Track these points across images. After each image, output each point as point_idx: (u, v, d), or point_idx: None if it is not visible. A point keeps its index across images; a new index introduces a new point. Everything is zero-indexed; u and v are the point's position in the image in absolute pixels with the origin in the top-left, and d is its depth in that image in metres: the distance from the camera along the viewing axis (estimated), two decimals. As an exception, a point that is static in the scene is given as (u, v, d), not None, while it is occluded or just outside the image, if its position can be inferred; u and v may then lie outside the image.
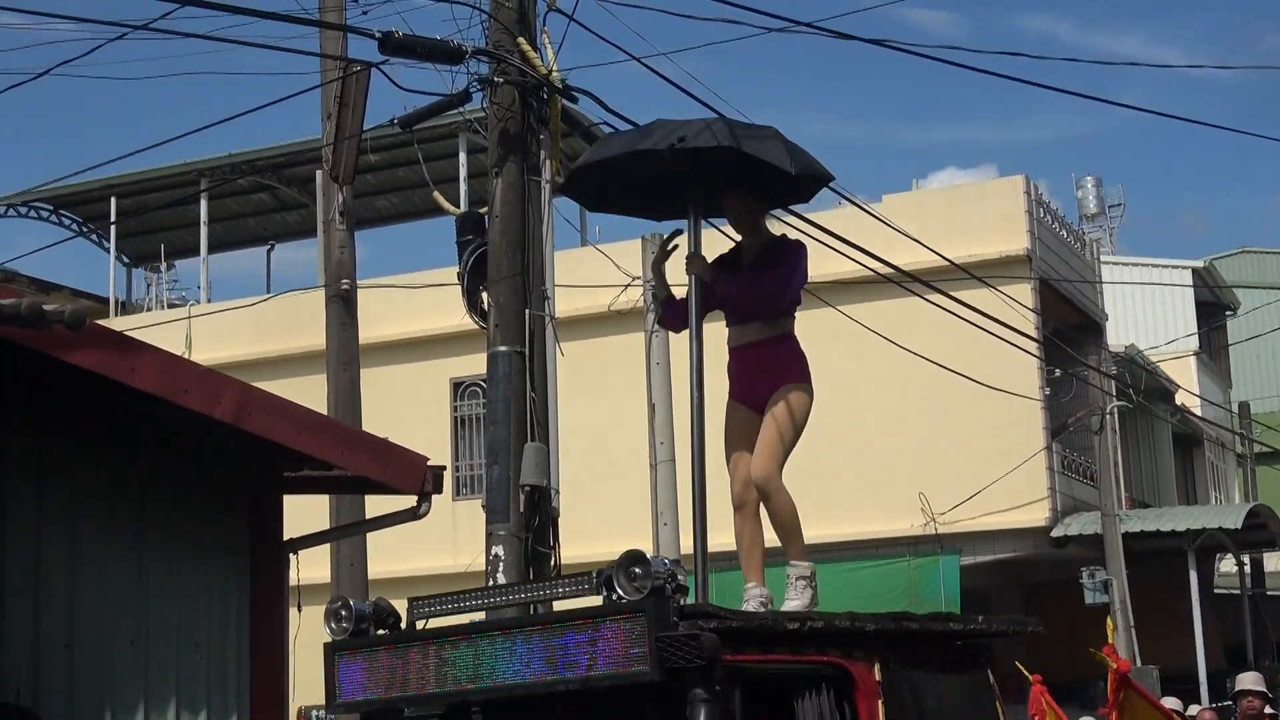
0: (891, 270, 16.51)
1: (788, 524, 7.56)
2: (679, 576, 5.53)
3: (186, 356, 18.29)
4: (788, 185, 7.61)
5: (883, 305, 22.23)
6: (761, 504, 7.57)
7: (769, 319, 7.64)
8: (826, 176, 7.71)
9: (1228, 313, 41.10)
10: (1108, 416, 25.24)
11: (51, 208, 33.99)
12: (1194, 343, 37.81)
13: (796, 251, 7.74)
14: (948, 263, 18.01)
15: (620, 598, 5.56)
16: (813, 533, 25.14)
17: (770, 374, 7.62)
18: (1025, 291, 24.03)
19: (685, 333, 7.87)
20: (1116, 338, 32.75)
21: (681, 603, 5.51)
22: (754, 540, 7.62)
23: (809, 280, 7.66)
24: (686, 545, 16.87)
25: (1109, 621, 13.82)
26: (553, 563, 11.17)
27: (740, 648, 5.69)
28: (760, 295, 7.57)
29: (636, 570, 5.54)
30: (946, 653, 6.82)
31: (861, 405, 24.71)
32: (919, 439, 24.48)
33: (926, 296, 17.43)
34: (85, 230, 34.66)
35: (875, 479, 24.59)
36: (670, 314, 8.03)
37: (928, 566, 24.41)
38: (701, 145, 7.15)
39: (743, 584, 7.50)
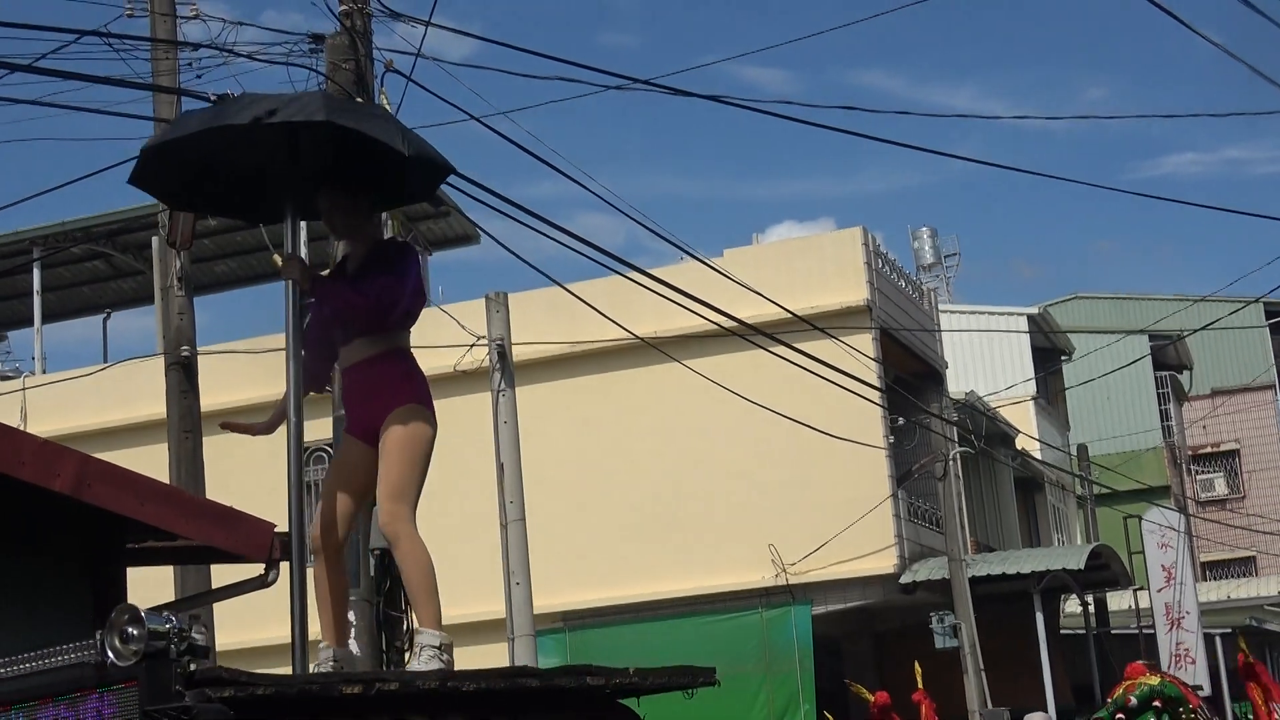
0: (735, 323, 16.64)
1: (416, 580, 6.39)
2: (193, 636, 4.70)
3: (22, 428, 17.88)
4: (405, 180, 6.70)
5: (727, 359, 22.38)
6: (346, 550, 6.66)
7: (376, 334, 6.52)
8: (446, 166, 6.80)
9: (1063, 357, 41.92)
10: (950, 463, 25.57)
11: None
12: (1032, 388, 38.50)
13: (405, 255, 6.70)
14: (790, 315, 18.20)
15: (112, 664, 4.71)
16: (665, 587, 25.15)
17: (378, 397, 6.51)
18: (866, 341, 24.32)
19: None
20: (956, 385, 33.25)
21: (192, 668, 4.65)
22: (325, 594, 6.56)
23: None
24: (541, 603, 16.88)
25: (916, 666, 14.06)
26: (405, 627, 11.06)
27: (277, 717, 4.86)
28: (365, 307, 6.43)
29: (130, 630, 4.68)
30: (584, 714, 5.98)
31: (709, 458, 24.82)
32: (768, 490, 24.63)
33: (770, 349, 17.61)
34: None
35: (725, 531, 24.69)
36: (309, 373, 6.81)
37: (780, 617, 24.52)
38: (295, 119, 6.10)
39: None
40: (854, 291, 25.46)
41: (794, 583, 24.34)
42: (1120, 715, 9.81)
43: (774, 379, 21.18)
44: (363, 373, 6.55)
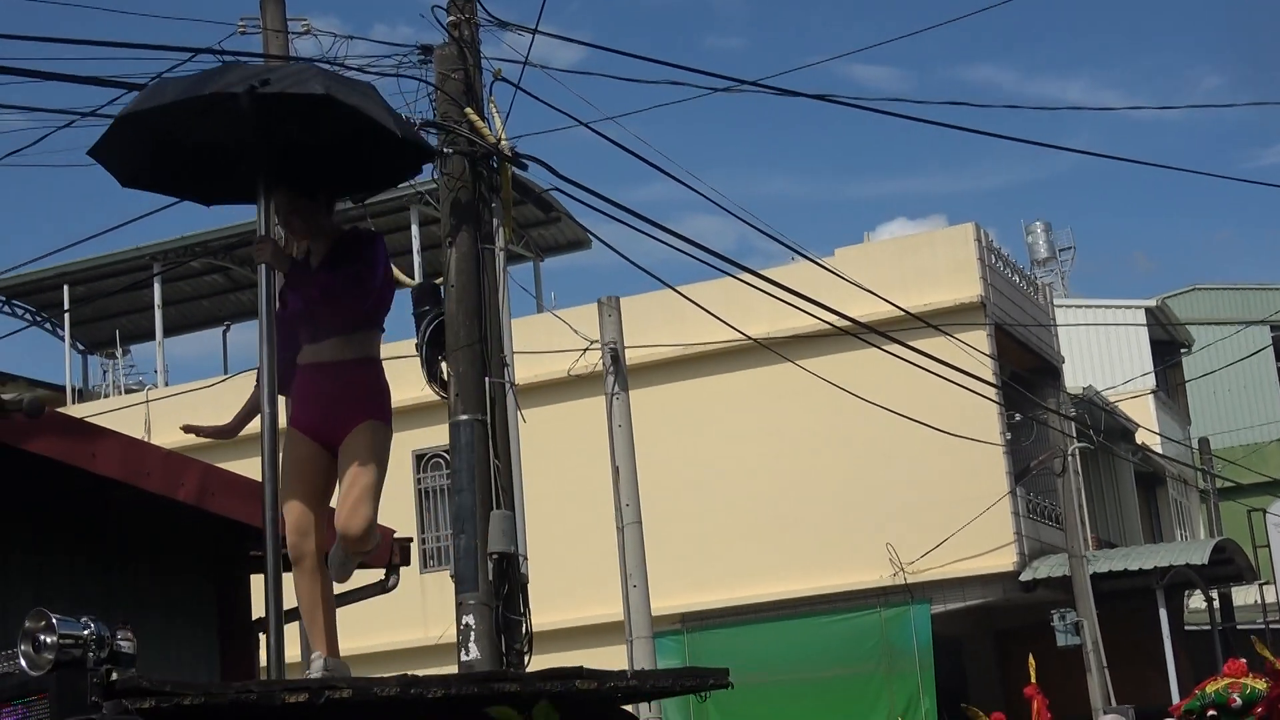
0: (848, 323, 16.59)
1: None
2: (119, 643, 4.41)
3: (147, 440, 18.20)
4: (382, 161, 6.39)
5: (840, 358, 22.30)
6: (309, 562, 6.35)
7: (347, 334, 6.27)
8: (429, 148, 6.69)
9: (1182, 350, 41.36)
10: (1069, 458, 25.33)
11: (4, 298, 33.83)
12: (1151, 381, 38.01)
13: (371, 245, 6.36)
14: (902, 312, 18.12)
15: (23, 673, 4.41)
16: (783, 588, 25.09)
17: (346, 407, 6.27)
18: (981, 338, 24.14)
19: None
20: (1074, 380, 32.91)
21: (112, 677, 4.33)
22: (315, 601, 6.32)
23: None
24: (659, 605, 16.91)
25: (1030, 660, 13.92)
26: (524, 630, 11.13)
27: None
28: (332, 301, 6.18)
29: (43, 638, 4.36)
30: (576, 718, 5.56)
31: (824, 459, 24.75)
32: (884, 489, 24.51)
33: (883, 347, 17.53)
34: (39, 319, 34.49)
35: (842, 531, 24.60)
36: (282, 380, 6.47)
37: (899, 617, 24.40)
38: (291, 91, 5.84)
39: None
40: (968, 288, 25.27)
41: (912, 582, 24.20)
42: (1212, 712, 9.63)
43: (888, 377, 21.07)
44: (330, 376, 6.27)
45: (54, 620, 4.37)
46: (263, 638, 10.58)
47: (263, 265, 6.11)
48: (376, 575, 10.80)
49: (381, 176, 6.62)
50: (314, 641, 6.26)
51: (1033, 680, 13.03)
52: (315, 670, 6.06)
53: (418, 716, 5.08)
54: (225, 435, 6.75)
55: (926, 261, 25.35)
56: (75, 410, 26.75)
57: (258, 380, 6.20)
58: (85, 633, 4.36)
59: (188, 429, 6.77)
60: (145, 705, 4.33)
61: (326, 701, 4.73)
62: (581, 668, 5.56)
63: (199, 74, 6.03)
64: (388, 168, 6.50)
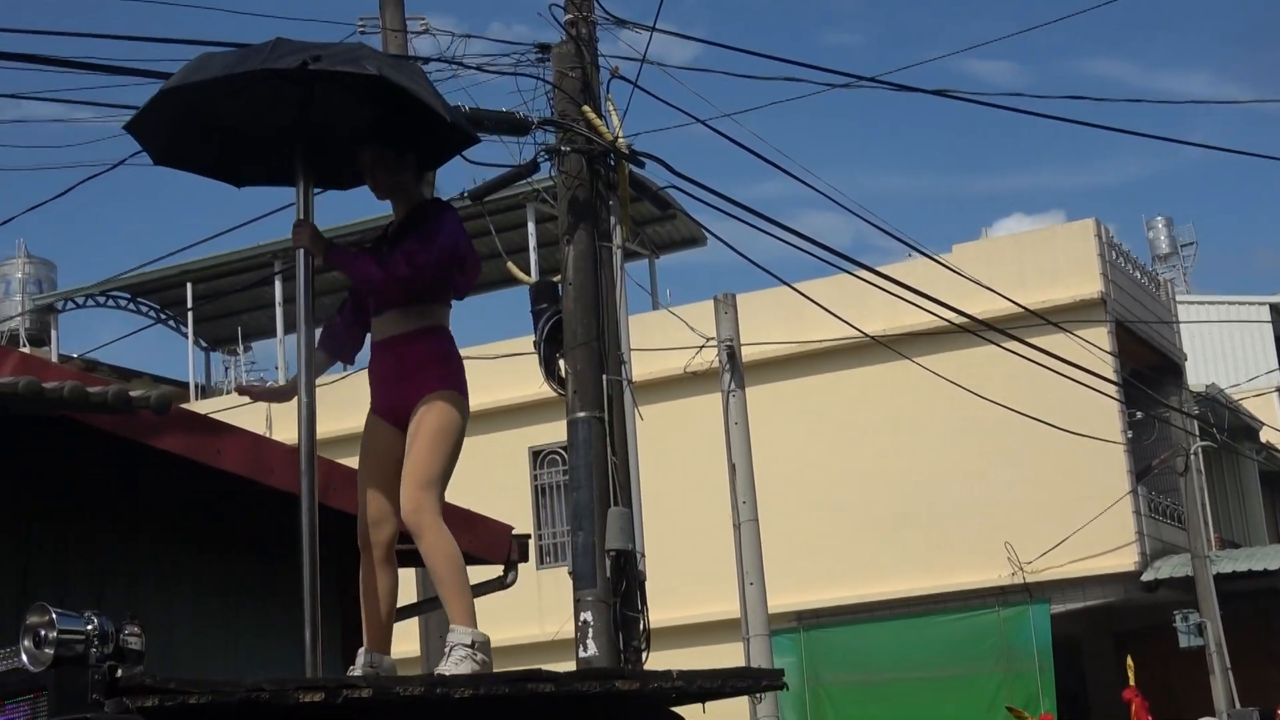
0: (966, 319, 16.47)
1: (444, 573, 5.77)
2: (125, 638, 4.29)
3: (269, 436, 18.43)
4: (430, 145, 6.17)
5: (958, 355, 22.14)
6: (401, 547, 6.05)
7: (406, 306, 5.94)
8: (474, 135, 6.40)
9: (1309, 347, 40.60)
10: (1192, 457, 24.98)
11: (129, 296, 34.41)
12: (1276, 379, 37.36)
13: (438, 216, 6.04)
14: (1022, 309, 17.97)
15: (24, 670, 4.28)
16: (900, 586, 24.95)
17: (409, 379, 5.95)
18: (1101, 335, 23.86)
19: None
20: (1196, 377, 32.44)
21: (117, 674, 4.20)
22: (379, 592, 6.01)
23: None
24: (776, 603, 16.88)
25: (1129, 661, 13.74)
26: (641, 627, 11.16)
27: None
28: (383, 281, 5.88)
29: (44, 633, 4.23)
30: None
31: (942, 456, 24.58)
32: (1002, 487, 24.30)
33: (1002, 344, 17.38)
34: (163, 317, 35.05)
35: (960, 530, 24.42)
36: (325, 346, 6.32)
37: (1018, 616, 24.18)
38: (342, 69, 5.58)
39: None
40: (1088, 284, 24.99)
41: (1031, 581, 23.97)
42: None
43: (1007, 375, 20.90)
44: (395, 350, 5.98)
45: (55, 615, 4.24)
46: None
47: (300, 250, 5.88)
48: (495, 571, 10.86)
49: (425, 159, 6.27)
50: (365, 636, 5.97)
51: (1131, 683, 12.89)
52: (359, 665, 5.84)
53: (445, 717, 4.87)
54: (280, 398, 6.53)
55: (1046, 258, 25.10)
56: (199, 406, 27.16)
57: (299, 363, 6.00)
58: (88, 628, 4.22)
59: (241, 390, 6.59)
60: (148, 704, 4.18)
61: (345, 701, 4.52)
62: (623, 667, 5.36)
63: (246, 49, 5.76)
64: (433, 152, 6.27)
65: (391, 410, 5.99)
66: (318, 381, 6.06)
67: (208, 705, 4.27)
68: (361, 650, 5.89)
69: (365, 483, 6.03)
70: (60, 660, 4.16)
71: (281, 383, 31.23)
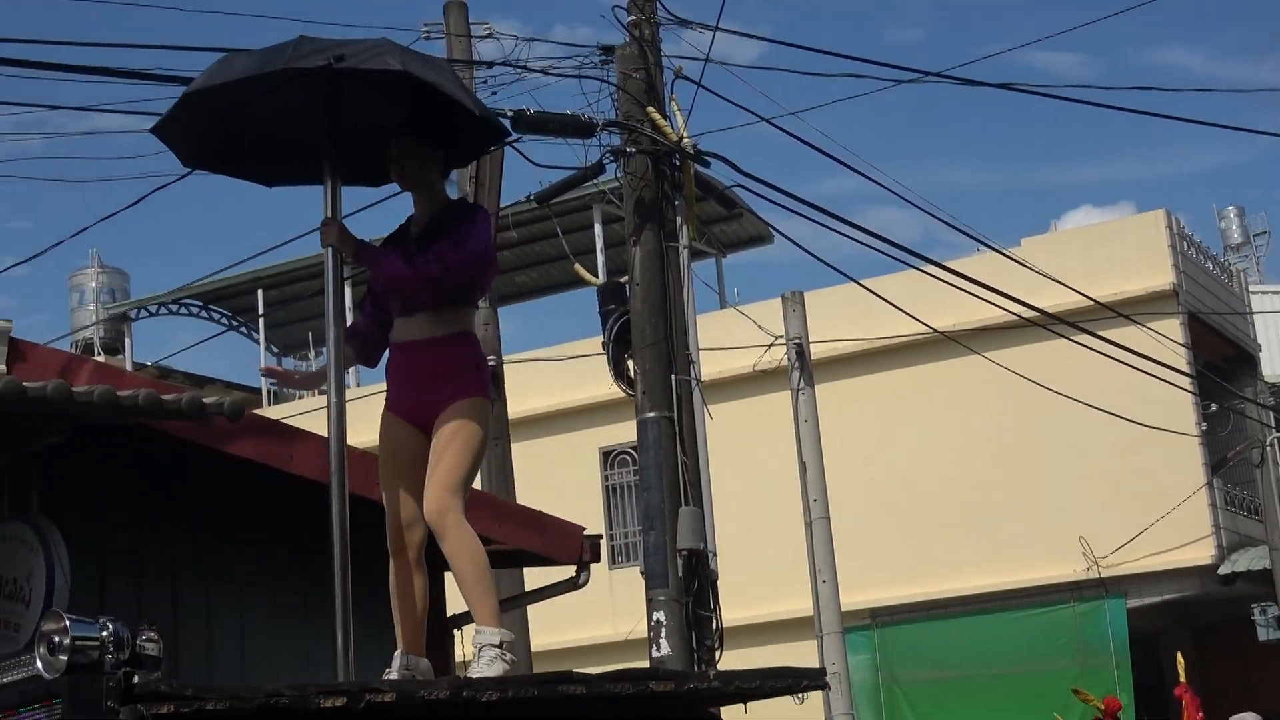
0: (1036, 313, 16.38)
1: (470, 574, 5.73)
2: (141, 645, 4.24)
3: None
4: (459, 140, 6.09)
5: (1028, 349, 22.01)
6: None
7: (436, 310, 5.89)
8: (503, 129, 6.37)
9: (1385, 335, 40.10)
10: (1268, 449, 24.73)
11: (201, 303, 34.70)
12: (1353, 368, 36.93)
13: (470, 218, 5.99)
14: (1092, 302, 17.84)
15: (40, 677, 4.27)
16: (974, 582, 24.72)
17: (436, 385, 5.92)
18: (1174, 327, 23.66)
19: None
20: (1271, 367, 32.09)
21: (132, 681, 4.16)
22: (411, 595, 5.95)
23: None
24: (848, 601, 16.84)
25: (1179, 658, 13.57)
26: (714, 626, 11.17)
27: None
28: (416, 281, 5.82)
29: (58, 640, 4.19)
30: None
31: (1014, 451, 24.45)
32: (1075, 482, 24.14)
33: (1073, 338, 17.27)
34: (234, 324, 35.32)
35: (1033, 525, 24.28)
36: (351, 343, 6.26)
37: (1093, 611, 24.02)
38: (367, 66, 5.56)
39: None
40: (1159, 276, 24.79)
41: (1106, 576, 23.81)
42: None
43: (1078, 369, 20.76)
44: (424, 353, 5.93)
45: (69, 621, 4.21)
46: (457, 634, 10.75)
47: (329, 249, 5.87)
48: (568, 572, 10.89)
49: (453, 156, 6.20)
50: (399, 637, 5.93)
51: (1181, 679, 12.72)
52: (395, 667, 5.78)
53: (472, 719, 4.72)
54: (303, 384, 6.54)
55: (1116, 250, 24.91)
56: (270, 412, 27.38)
57: (330, 359, 5.99)
58: (103, 634, 4.18)
59: (267, 372, 6.64)
60: (164, 710, 4.13)
61: (367, 706, 4.45)
62: (658, 668, 5.25)
63: (269, 48, 5.68)
64: (460, 148, 6.20)
65: (415, 413, 5.96)
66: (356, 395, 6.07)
67: (225, 712, 4.22)
68: (397, 653, 5.86)
69: (392, 486, 6.01)
70: (74, 667, 4.14)
71: (355, 386, 31.42)
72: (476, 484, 13.99)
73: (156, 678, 4.20)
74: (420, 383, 5.93)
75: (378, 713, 4.49)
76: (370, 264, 5.97)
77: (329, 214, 5.89)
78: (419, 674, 5.71)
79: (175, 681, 4.20)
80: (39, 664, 4.23)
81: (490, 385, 6.11)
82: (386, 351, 6.19)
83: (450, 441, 5.82)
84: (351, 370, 32.94)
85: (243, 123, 6.05)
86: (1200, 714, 12.74)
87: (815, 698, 13.48)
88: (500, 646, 5.58)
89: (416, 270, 5.79)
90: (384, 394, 6.18)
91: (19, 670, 4.46)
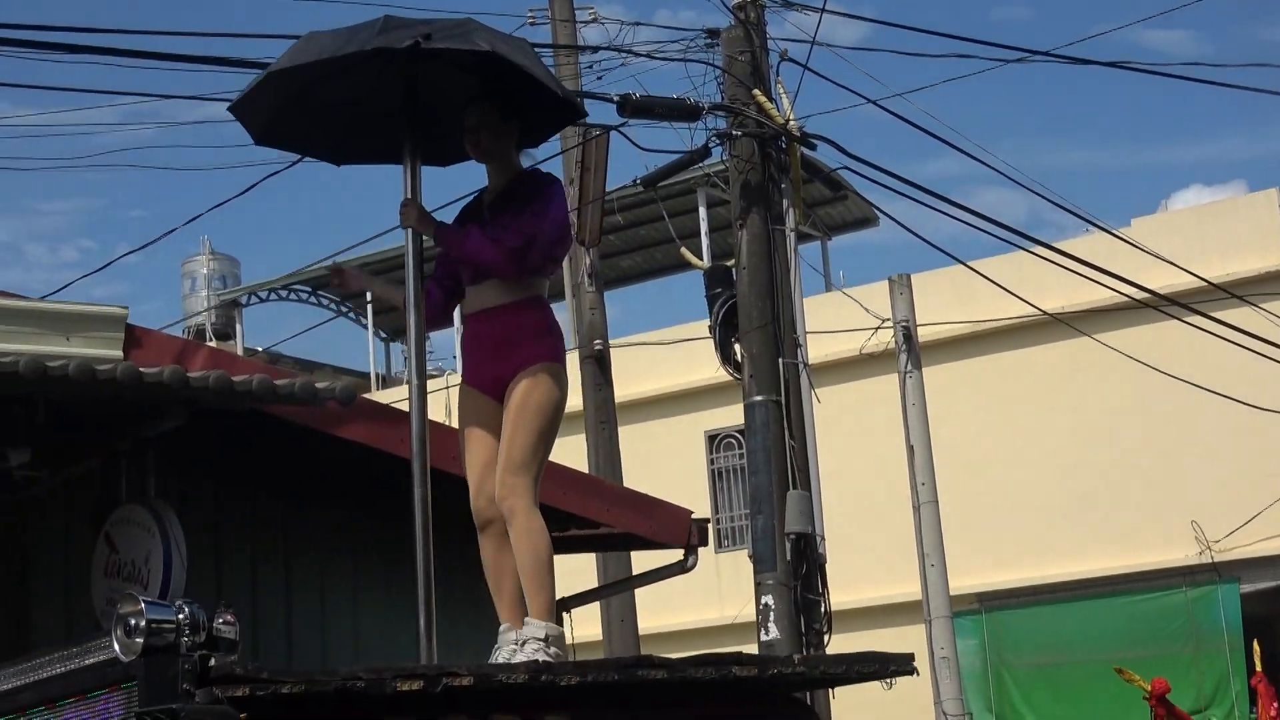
0: (1146, 295, 16.19)
1: (529, 564, 5.64)
2: (218, 627, 4.22)
3: (448, 425, 18.67)
4: (530, 119, 6.02)
5: (1139, 331, 21.75)
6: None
7: (508, 278, 5.82)
8: (581, 110, 6.34)
9: None
10: (1386, 431, 24.26)
11: (310, 289, 35.05)
12: None
13: (546, 190, 5.92)
14: (1203, 282, 17.60)
15: (116, 660, 4.25)
16: (1083, 567, 24.45)
17: (508, 351, 5.80)
18: (1288, 307, 23.27)
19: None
20: (1389, 348, 31.50)
21: (209, 663, 4.13)
22: (504, 569, 5.81)
23: None
24: (957, 585, 16.76)
25: (1255, 646, 13.33)
26: (823, 609, 11.15)
27: None
28: (495, 260, 5.76)
29: (134, 622, 4.17)
30: (738, 711, 5.17)
31: (1124, 434, 24.17)
32: (1187, 465, 23.83)
33: (1185, 319, 17.05)
34: (343, 309, 35.64)
35: (1144, 508, 24.00)
36: (429, 310, 6.11)
37: (1206, 596, 23.71)
38: (455, 46, 5.51)
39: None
40: (1272, 255, 24.38)
41: (1219, 560, 23.49)
42: None
43: (1190, 350, 20.47)
44: (494, 321, 5.84)
45: (144, 604, 4.18)
46: (566, 616, 10.81)
47: (408, 230, 5.83)
48: (675, 556, 10.92)
49: (530, 135, 6.14)
50: (501, 613, 5.79)
51: (1258, 669, 12.46)
52: (504, 643, 5.64)
53: (551, 705, 4.69)
54: (374, 292, 6.42)
55: (1228, 229, 24.53)
56: (379, 396, 27.63)
57: (410, 341, 5.94)
58: (179, 617, 4.15)
59: (334, 270, 6.47)
60: (239, 693, 4.08)
61: (444, 690, 4.37)
62: (740, 653, 5.10)
63: (353, 27, 5.61)
64: (538, 127, 6.16)
65: (492, 383, 5.85)
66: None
67: (301, 695, 4.18)
68: (503, 628, 5.74)
69: (473, 460, 5.90)
70: (150, 650, 4.12)
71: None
72: (582, 466, 14.09)
73: (232, 660, 4.19)
74: (491, 351, 5.85)
75: (455, 696, 4.44)
76: (450, 244, 5.88)
77: (408, 195, 5.85)
78: (552, 642, 5.56)
79: (251, 664, 4.20)
80: (115, 646, 4.23)
81: (564, 349, 5.96)
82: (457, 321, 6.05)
83: (518, 415, 5.71)
84: (458, 357, 33.17)
85: (317, 101, 6.00)
86: (1276, 703, 12.47)
87: (921, 684, 13.44)
88: (545, 640, 5.52)
89: (499, 246, 5.72)
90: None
91: (99, 653, 4.46)
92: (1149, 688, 11.70)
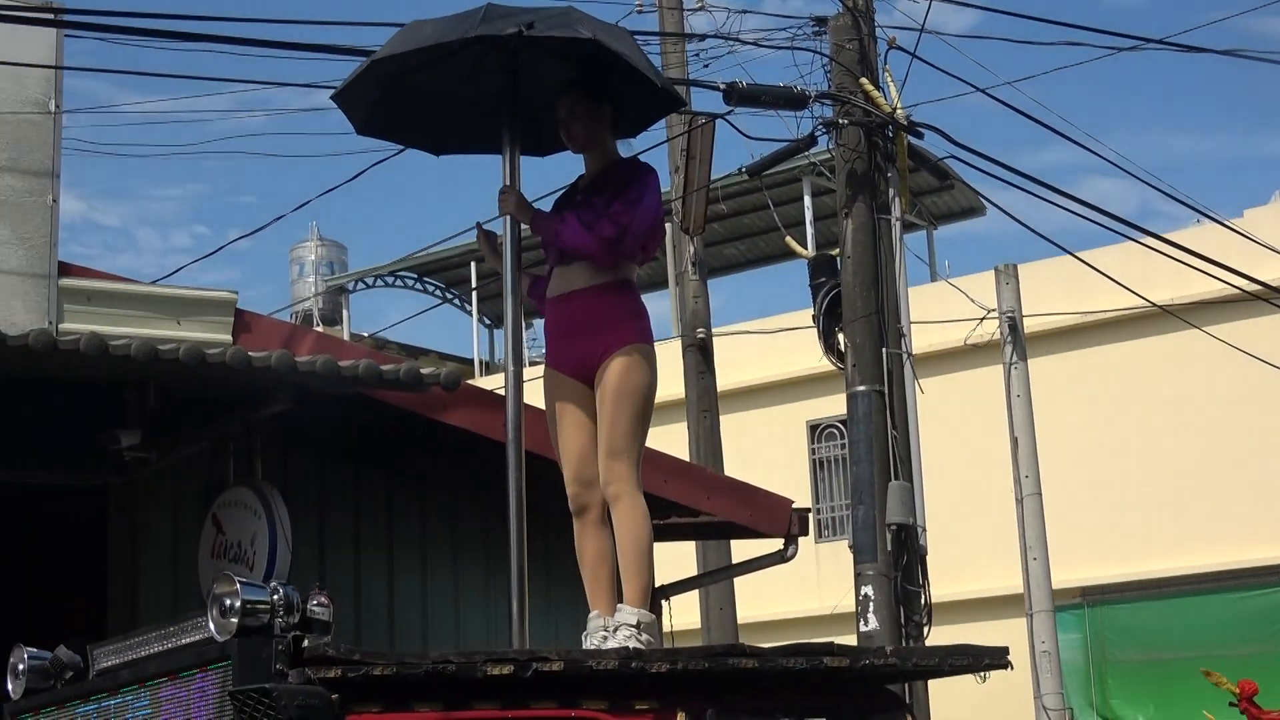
0: (1258, 287, 15.97)
1: (629, 549, 5.63)
2: (312, 608, 4.28)
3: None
4: (631, 110, 6.02)
5: (1250, 323, 21.43)
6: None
7: (601, 266, 5.82)
8: (680, 99, 6.24)
9: None
10: None
11: (416, 276, 35.29)
12: None
13: (642, 178, 5.89)
14: (1317, 275, 17.33)
15: (212, 640, 4.34)
16: (1189, 562, 24.13)
17: (596, 333, 5.78)
18: (1404, 301, 22.85)
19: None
20: None
21: (303, 644, 4.20)
22: (598, 555, 5.79)
23: None
24: (1059, 578, 16.61)
25: None
26: (923, 601, 11.09)
27: (399, 702, 4.26)
28: (589, 249, 5.77)
29: (229, 602, 4.26)
30: (830, 701, 5.10)
31: (1233, 428, 23.84)
32: (1297, 461, 23.48)
33: (1298, 312, 16.81)
34: (449, 296, 35.86)
35: (1252, 504, 23.66)
36: (535, 298, 6.19)
37: (1315, 594, 23.36)
38: (557, 34, 5.53)
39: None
40: (1388, 248, 23.97)
41: (1330, 557, 23.13)
42: None
43: (1302, 344, 20.19)
44: (582, 303, 5.82)
45: (239, 585, 4.25)
46: (665, 604, 10.83)
47: (506, 217, 5.86)
48: (775, 545, 10.91)
49: (630, 124, 6.15)
50: (592, 601, 5.75)
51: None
52: (594, 630, 5.59)
53: (641, 692, 4.63)
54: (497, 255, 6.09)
55: (1343, 221, 24.13)
56: (482, 383, 27.81)
57: (507, 328, 5.99)
58: (273, 598, 4.22)
59: (480, 228, 6.34)
60: (332, 674, 4.14)
61: (534, 675, 4.39)
62: (832, 643, 5.07)
63: (456, 15, 5.62)
64: (637, 117, 6.13)
65: (580, 366, 5.81)
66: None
67: (393, 677, 4.22)
68: (593, 615, 5.70)
69: (566, 445, 5.89)
70: (245, 630, 4.19)
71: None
72: (683, 454, 14.08)
73: (326, 642, 4.24)
74: (577, 334, 5.82)
75: (546, 681, 4.45)
76: (546, 232, 5.88)
77: (507, 182, 5.86)
78: (644, 630, 5.53)
79: (346, 645, 4.24)
80: (211, 626, 4.31)
81: (651, 332, 5.94)
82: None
83: (613, 400, 5.69)
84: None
85: (418, 90, 6.03)
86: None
87: (1022, 679, 13.35)
88: (637, 626, 5.48)
89: (593, 235, 5.72)
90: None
91: (196, 632, 4.55)
92: (1236, 690, 11.50)
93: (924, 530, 11.37)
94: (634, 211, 5.76)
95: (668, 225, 25.50)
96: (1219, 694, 21.79)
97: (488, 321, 37.45)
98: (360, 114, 6.05)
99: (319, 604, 4.29)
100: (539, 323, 38.28)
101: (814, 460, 27.06)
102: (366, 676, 4.17)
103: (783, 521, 10.62)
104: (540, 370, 6.44)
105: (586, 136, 5.95)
